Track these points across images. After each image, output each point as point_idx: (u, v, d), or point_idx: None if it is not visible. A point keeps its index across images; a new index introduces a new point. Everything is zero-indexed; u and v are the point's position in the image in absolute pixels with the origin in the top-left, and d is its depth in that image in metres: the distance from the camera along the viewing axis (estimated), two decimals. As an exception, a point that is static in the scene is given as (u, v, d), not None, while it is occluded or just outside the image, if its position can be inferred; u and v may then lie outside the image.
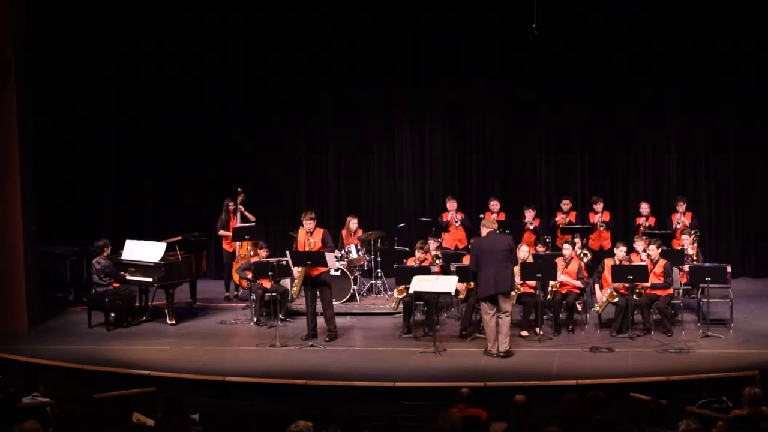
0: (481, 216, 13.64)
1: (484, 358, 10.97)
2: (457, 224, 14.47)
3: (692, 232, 13.07)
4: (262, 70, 15.87)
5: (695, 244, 12.97)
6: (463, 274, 11.79)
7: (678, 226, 13.53)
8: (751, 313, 12.87)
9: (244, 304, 13.78)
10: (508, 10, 14.57)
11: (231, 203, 14.41)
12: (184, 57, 15.81)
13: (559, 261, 12.31)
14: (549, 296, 12.19)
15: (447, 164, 16.09)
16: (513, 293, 11.32)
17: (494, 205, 14.36)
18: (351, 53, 15.65)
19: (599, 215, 14.18)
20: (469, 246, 12.12)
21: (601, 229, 14.09)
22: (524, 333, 11.94)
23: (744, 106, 15.14)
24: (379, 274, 14.21)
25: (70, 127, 16.04)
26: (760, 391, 7.51)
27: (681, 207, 13.79)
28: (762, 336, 11.70)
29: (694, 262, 12.55)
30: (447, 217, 14.51)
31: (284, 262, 12.33)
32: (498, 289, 10.87)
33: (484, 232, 11.22)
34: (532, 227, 14.05)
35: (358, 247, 13.94)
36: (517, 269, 12.02)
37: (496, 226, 11.34)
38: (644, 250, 12.03)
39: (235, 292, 14.59)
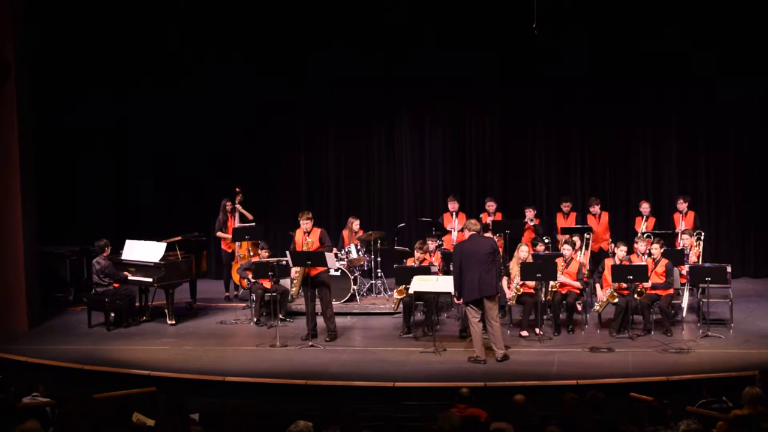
0: (482, 216, 13.64)
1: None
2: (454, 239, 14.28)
3: (695, 233, 13.04)
4: (262, 70, 15.85)
5: (698, 248, 12.92)
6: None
7: (678, 231, 13.45)
8: (751, 313, 12.87)
9: (244, 304, 13.78)
10: (508, 10, 14.55)
11: (229, 203, 14.40)
12: (185, 56, 15.80)
13: (559, 261, 12.31)
14: (548, 296, 12.18)
15: (447, 164, 16.07)
16: (509, 299, 11.19)
17: (490, 205, 14.32)
18: (351, 53, 15.64)
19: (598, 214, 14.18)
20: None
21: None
22: (524, 333, 11.93)
23: (744, 106, 15.14)
24: (379, 274, 14.21)
25: (70, 127, 16.02)
26: (760, 391, 7.52)
27: (682, 206, 13.76)
28: (762, 336, 11.70)
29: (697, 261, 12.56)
30: (449, 221, 14.40)
31: (284, 262, 12.33)
32: (482, 293, 10.71)
33: (466, 234, 10.98)
34: (532, 224, 13.98)
35: (358, 247, 13.93)
36: (517, 269, 12.05)
37: (478, 228, 11.02)
38: (644, 252, 12.00)
39: (235, 292, 14.58)
